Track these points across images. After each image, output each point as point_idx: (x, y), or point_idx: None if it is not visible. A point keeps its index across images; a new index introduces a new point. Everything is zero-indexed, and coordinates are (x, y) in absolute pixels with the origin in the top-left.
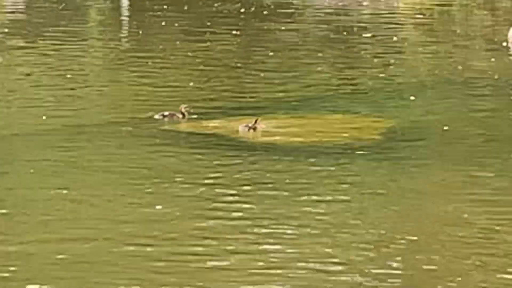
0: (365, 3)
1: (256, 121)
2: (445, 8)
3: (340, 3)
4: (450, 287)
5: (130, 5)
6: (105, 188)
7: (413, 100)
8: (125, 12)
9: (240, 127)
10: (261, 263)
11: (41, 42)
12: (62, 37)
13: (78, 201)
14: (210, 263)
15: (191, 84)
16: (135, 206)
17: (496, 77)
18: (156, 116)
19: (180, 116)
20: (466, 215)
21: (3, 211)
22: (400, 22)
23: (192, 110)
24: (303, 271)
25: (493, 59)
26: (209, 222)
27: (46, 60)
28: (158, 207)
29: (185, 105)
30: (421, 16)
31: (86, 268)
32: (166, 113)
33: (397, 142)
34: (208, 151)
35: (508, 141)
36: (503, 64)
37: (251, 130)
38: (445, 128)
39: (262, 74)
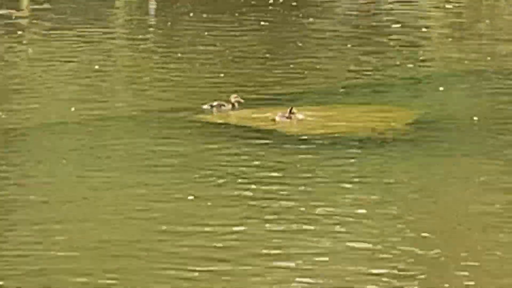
0: None
1: (290, 110)
2: None
3: None
4: (481, 276)
5: None
6: (138, 177)
7: (442, 91)
8: (152, 4)
9: (277, 116)
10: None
11: (68, 32)
12: (89, 27)
13: (116, 189)
14: (242, 256)
15: (222, 75)
16: (167, 196)
17: None
18: (205, 107)
19: (230, 106)
20: (497, 205)
21: (44, 198)
22: (428, 12)
23: (242, 100)
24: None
25: None
26: (242, 214)
27: (74, 50)
28: (190, 197)
29: (235, 95)
30: (449, 6)
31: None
32: (214, 103)
33: (426, 132)
34: (246, 141)
35: None
36: None
37: (288, 119)
38: (475, 118)
39: (291, 65)
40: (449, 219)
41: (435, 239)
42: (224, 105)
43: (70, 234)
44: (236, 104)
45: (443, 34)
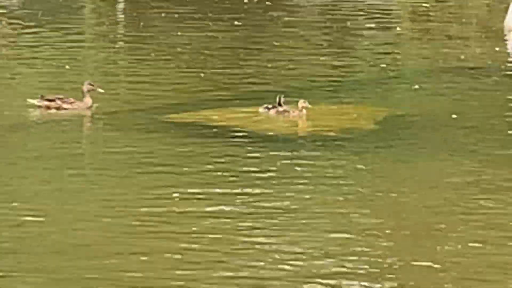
0: None
1: (279, 100)
2: None
3: None
4: (453, 276)
5: None
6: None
7: (417, 89)
8: (121, 5)
9: (272, 111)
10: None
11: (40, 31)
12: (59, 28)
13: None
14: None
15: (202, 75)
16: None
17: (490, 63)
18: (260, 110)
19: (296, 112)
20: (469, 204)
21: (23, 200)
22: (398, 12)
23: (309, 106)
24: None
25: (491, 47)
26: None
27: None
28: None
29: (303, 100)
30: (418, 5)
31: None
32: (270, 105)
33: (397, 130)
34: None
35: None
36: (500, 52)
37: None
38: (454, 116)
39: (269, 65)
40: (414, 217)
41: (399, 238)
42: (288, 111)
43: (52, 235)
44: (303, 110)
45: (413, 32)
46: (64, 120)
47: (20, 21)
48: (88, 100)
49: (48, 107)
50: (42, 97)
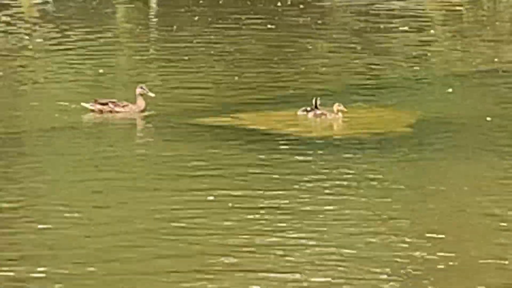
0: None
1: (316, 102)
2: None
3: None
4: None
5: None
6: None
7: (451, 93)
8: (155, 7)
9: (310, 114)
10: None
11: (73, 37)
12: (92, 33)
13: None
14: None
15: (236, 78)
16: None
17: None
18: (299, 112)
19: (333, 115)
20: (497, 208)
21: (40, 203)
22: (431, 15)
23: (345, 109)
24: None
25: None
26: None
27: (77, 55)
28: (210, 197)
29: (338, 104)
30: (452, 7)
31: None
32: (308, 108)
33: (437, 133)
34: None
35: None
36: None
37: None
38: (488, 119)
39: (303, 68)
40: (448, 220)
41: (431, 241)
42: (325, 114)
43: (71, 240)
44: (339, 113)
45: (447, 36)
46: (114, 124)
47: (54, 25)
48: (141, 103)
49: (101, 111)
50: (95, 101)
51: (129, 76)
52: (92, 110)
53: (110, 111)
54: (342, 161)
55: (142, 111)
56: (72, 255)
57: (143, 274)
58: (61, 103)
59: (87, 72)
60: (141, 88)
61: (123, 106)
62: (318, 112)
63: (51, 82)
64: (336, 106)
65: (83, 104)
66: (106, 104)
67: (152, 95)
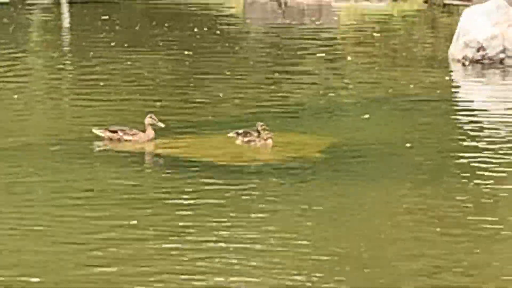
0: (306, 24)
1: (262, 127)
2: (386, 24)
3: (287, 21)
4: None
5: (70, 24)
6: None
7: (367, 119)
8: (66, 29)
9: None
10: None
11: None
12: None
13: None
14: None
15: (158, 104)
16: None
17: (438, 92)
18: (230, 134)
19: (255, 134)
20: (409, 231)
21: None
22: (342, 41)
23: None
24: None
25: (438, 76)
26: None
27: None
28: (133, 222)
29: (261, 123)
30: (363, 35)
31: None
32: (240, 131)
33: (343, 159)
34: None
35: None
36: (445, 81)
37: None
38: (408, 145)
39: (220, 94)
40: (358, 243)
41: (343, 264)
42: (249, 133)
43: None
44: (261, 132)
45: (359, 63)
46: (123, 152)
47: None
48: (150, 132)
49: (110, 139)
50: (106, 129)
51: (44, 100)
52: (103, 137)
53: (119, 139)
54: (248, 186)
55: (151, 140)
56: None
57: None
58: None
59: None
60: (151, 117)
61: (132, 135)
62: (246, 139)
63: None
64: (259, 126)
65: (94, 130)
66: (115, 132)
67: (162, 125)
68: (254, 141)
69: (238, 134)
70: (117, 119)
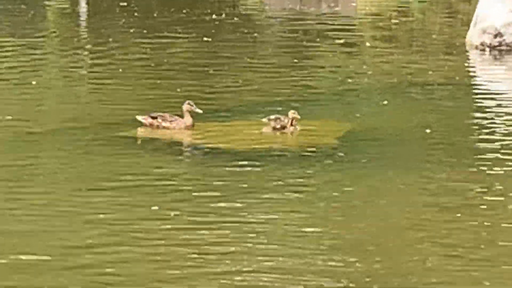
0: (324, 10)
1: (292, 121)
2: (403, 11)
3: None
4: None
5: (88, 11)
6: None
7: (386, 105)
8: (83, 16)
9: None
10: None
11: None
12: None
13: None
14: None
15: (178, 90)
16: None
17: (457, 78)
18: (264, 120)
19: (286, 120)
20: (422, 221)
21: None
22: (360, 27)
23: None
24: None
25: (456, 62)
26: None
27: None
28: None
29: (293, 111)
30: (381, 22)
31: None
32: (272, 116)
33: (359, 147)
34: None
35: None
36: (464, 66)
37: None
38: (428, 131)
39: (240, 81)
40: (371, 233)
41: (354, 253)
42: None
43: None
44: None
45: (377, 49)
46: (159, 139)
47: None
48: (188, 119)
49: (151, 124)
50: (148, 115)
51: (65, 89)
52: (145, 124)
53: (157, 126)
54: (269, 173)
55: (188, 126)
56: None
57: None
58: None
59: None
60: (188, 104)
61: (170, 121)
62: (278, 125)
63: None
64: (291, 114)
65: (137, 117)
66: (155, 118)
67: (200, 111)
68: (285, 127)
69: (269, 119)
70: (143, 106)
